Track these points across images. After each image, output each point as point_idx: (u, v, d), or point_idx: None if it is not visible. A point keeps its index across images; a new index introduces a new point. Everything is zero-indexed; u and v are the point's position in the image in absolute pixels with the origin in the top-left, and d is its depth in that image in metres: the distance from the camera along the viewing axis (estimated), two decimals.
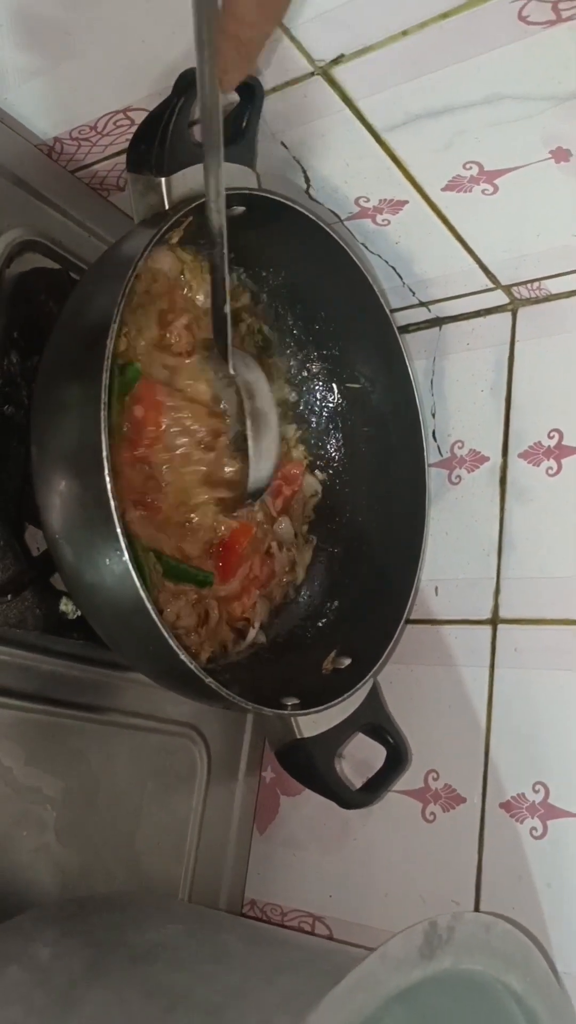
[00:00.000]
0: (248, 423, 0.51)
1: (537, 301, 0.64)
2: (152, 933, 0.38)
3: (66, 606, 0.53)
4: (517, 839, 0.55)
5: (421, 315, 0.69)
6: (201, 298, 0.57)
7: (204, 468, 0.53)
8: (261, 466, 0.53)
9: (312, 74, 0.49)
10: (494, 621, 0.61)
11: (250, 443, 0.51)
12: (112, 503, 0.42)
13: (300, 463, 0.64)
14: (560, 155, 0.52)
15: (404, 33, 0.45)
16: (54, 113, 0.56)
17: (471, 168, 0.54)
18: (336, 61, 0.48)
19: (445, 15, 0.44)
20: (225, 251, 0.46)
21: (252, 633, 0.59)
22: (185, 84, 0.47)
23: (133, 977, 0.34)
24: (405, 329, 0.70)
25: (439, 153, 0.53)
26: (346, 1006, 0.30)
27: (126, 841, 0.57)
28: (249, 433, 0.51)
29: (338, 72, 0.49)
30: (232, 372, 0.52)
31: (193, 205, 0.47)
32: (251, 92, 0.50)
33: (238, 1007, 0.32)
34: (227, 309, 0.48)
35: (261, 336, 0.62)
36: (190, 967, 0.35)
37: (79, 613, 0.53)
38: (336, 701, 0.54)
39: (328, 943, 0.59)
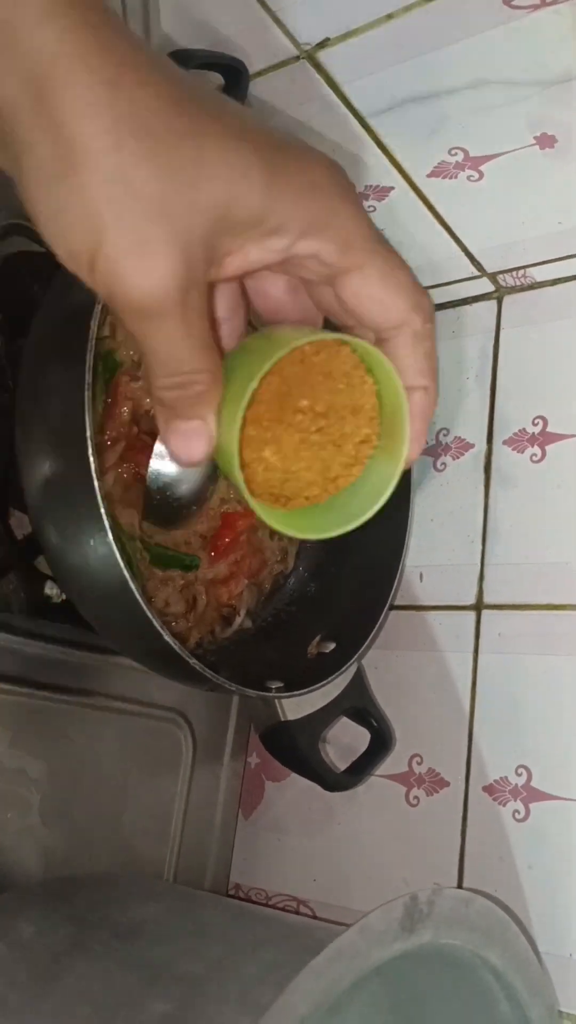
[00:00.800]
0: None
1: (523, 289, 0.65)
2: (135, 911, 0.39)
3: (51, 590, 0.53)
4: (500, 822, 0.56)
5: None
6: None
7: None
8: (187, 473, 0.52)
9: (298, 58, 0.49)
10: (478, 607, 0.61)
11: (158, 442, 0.50)
12: (96, 484, 0.43)
13: None
14: (545, 141, 0.52)
15: (389, 16, 0.46)
16: None
17: (456, 154, 0.54)
18: (321, 45, 0.48)
19: None
20: None
21: (238, 620, 0.59)
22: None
23: (115, 952, 0.34)
24: None
25: (425, 138, 0.54)
26: (325, 977, 0.30)
27: (111, 824, 0.57)
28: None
29: (324, 56, 0.49)
30: None
31: None
32: (237, 75, 0.50)
33: (219, 979, 0.32)
34: None
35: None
36: (172, 942, 0.35)
37: (64, 597, 0.53)
38: (320, 684, 0.54)
39: (310, 920, 0.59)
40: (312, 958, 0.30)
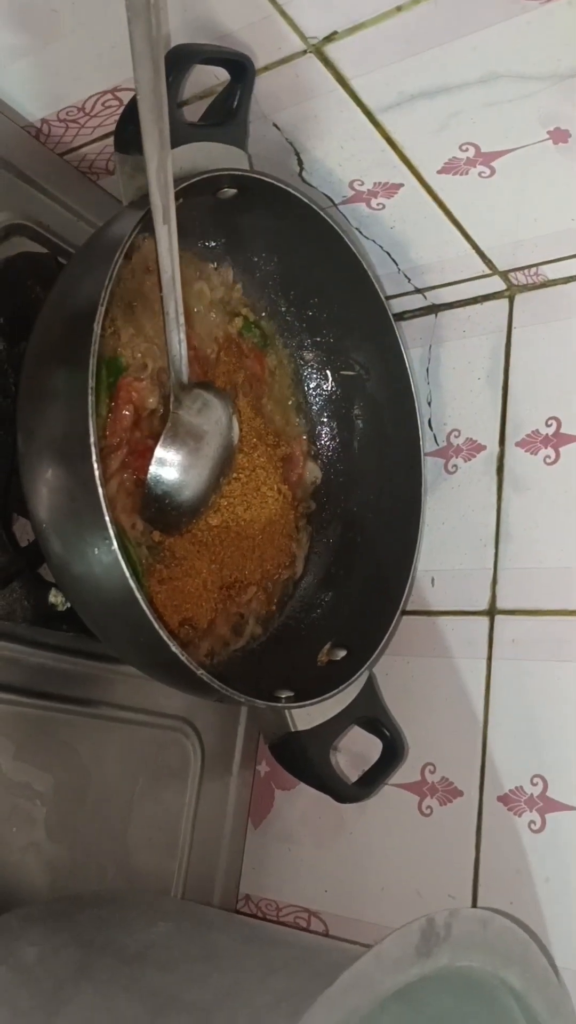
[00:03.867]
0: (169, 426, 0.49)
1: (535, 287, 0.63)
2: (141, 932, 0.38)
3: (55, 598, 0.52)
4: (515, 833, 0.54)
5: (417, 302, 0.68)
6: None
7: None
8: (188, 479, 0.50)
9: (305, 52, 0.48)
10: (491, 612, 0.60)
11: (158, 447, 0.49)
12: (101, 492, 0.41)
13: (300, 442, 0.63)
14: (558, 136, 0.51)
15: (398, 9, 0.44)
16: (42, 94, 0.55)
17: (467, 150, 0.53)
18: (329, 38, 0.47)
19: None
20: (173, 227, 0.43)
21: (248, 628, 0.58)
22: (174, 62, 0.46)
23: (121, 978, 0.33)
24: (401, 316, 0.69)
25: (434, 134, 0.52)
26: (340, 1007, 0.29)
27: (118, 837, 0.56)
28: (164, 437, 0.49)
29: (331, 50, 0.48)
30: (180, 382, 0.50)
31: (182, 185, 0.46)
32: (242, 70, 0.49)
33: (229, 1008, 0.31)
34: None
35: (259, 331, 0.61)
36: (180, 967, 0.34)
37: (68, 605, 0.52)
38: (331, 693, 0.53)
39: (323, 940, 0.58)
40: (326, 985, 0.29)
